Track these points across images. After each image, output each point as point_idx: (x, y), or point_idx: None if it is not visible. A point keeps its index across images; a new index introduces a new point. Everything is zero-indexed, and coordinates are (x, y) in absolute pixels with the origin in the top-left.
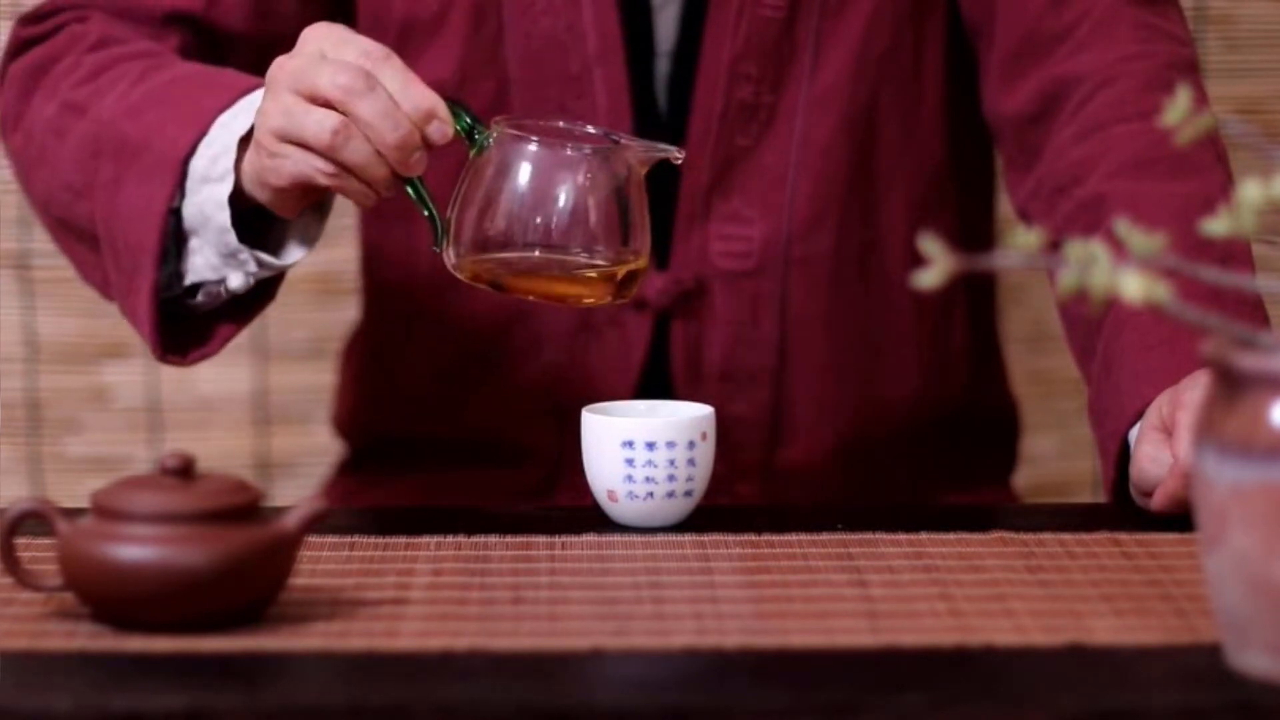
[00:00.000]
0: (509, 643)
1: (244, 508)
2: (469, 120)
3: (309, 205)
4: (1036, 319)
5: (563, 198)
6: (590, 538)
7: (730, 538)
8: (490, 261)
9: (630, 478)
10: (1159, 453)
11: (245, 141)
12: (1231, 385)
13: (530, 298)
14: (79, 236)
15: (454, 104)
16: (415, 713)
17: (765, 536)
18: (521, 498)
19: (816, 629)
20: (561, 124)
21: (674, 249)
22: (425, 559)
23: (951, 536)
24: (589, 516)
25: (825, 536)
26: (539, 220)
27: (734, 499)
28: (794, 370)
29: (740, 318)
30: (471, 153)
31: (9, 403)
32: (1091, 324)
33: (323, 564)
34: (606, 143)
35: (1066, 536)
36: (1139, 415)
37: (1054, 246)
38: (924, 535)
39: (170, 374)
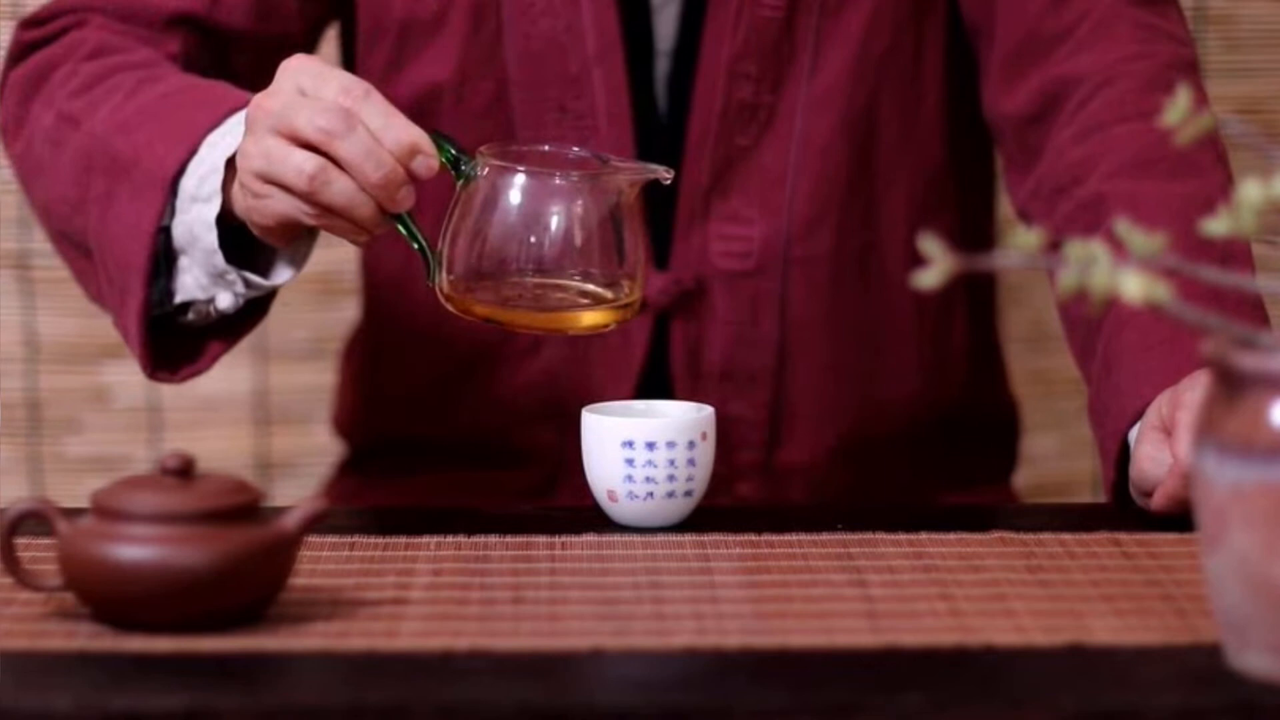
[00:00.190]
0: (509, 643)
1: (244, 508)
2: (454, 151)
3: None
4: (1036, 319)
5: (553, 226)
6: (590, 538)
7: (730, 538)
8: (483, 294)
9: (630, 478)
10: (1159, 453)
11: (233, 161)
12: (1231, 385)
13: (525, 329)
14: (76, 248)
15: (438, 136)
16: (415, 713)
17: (765, 536)
18: (522, 498)
19: (816, 629)
20: (547, 148)
21: (674, 249)
22: (425, 559)
23: (951, 536)
24: (589, 516)
25: (825, 536)
26: (531, 250)
27: (734, 499)
28: (794, 370)
29: (740, 318)
30: (458, 184)
31: (9, 403)
32: (1091, 324)
33: (323, 564)
34: (595, 166)
35: (1066, 536)
36: (1139, 415)
37: (1054, 246)
38: (924, 535)
39: None
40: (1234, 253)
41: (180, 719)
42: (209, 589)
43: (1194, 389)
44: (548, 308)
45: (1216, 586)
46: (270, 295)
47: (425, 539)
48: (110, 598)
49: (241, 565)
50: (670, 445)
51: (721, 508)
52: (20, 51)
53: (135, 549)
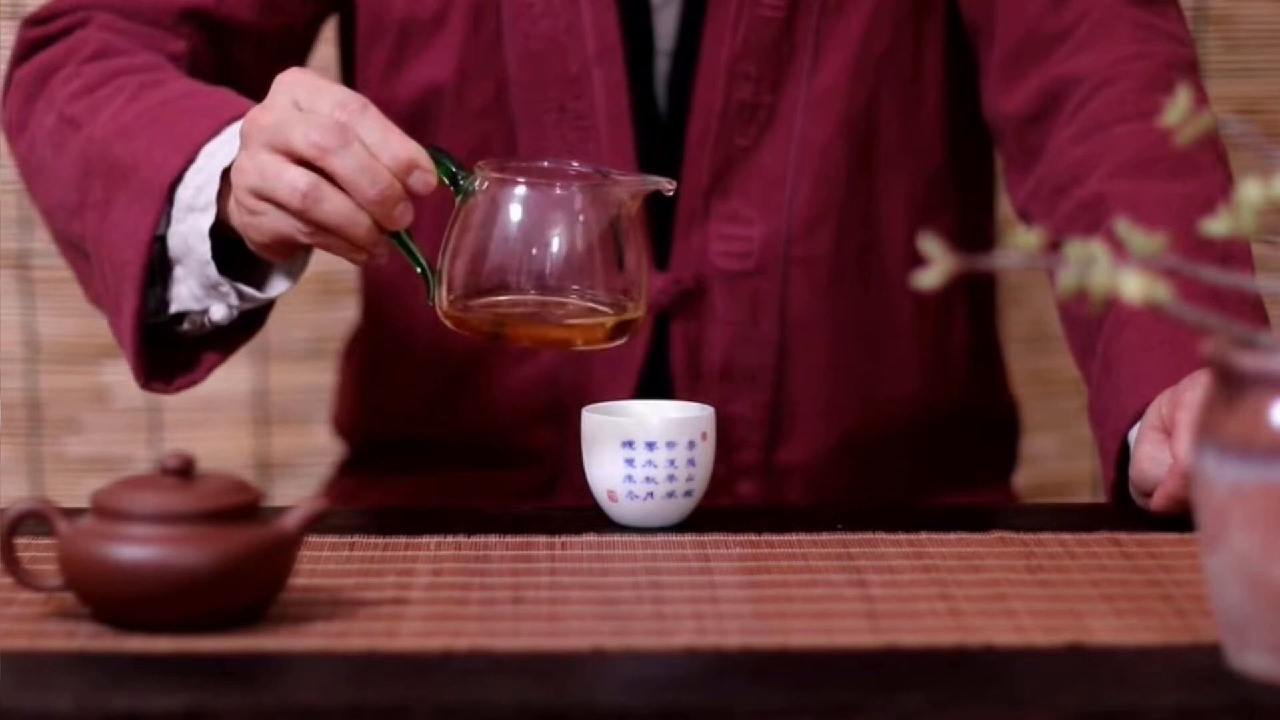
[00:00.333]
0: (509, 643)
1: (244, 508)
2: (452, 167)
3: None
4: (1036, 319)
5: (555, 240)
6: (590, 538)
7: (730, 538)
8: (484, 311)
9: (630, 478)
10: (1159, 453)
11: (230, 173)
12: (1231, 385)
13: (526, 345)
14: (76, 251)
15: (435, 151)
16: (415, 713)
17: (765, 536)
18: (522, 498)
19: (816, 629)
20: (546, 164)
21: (674, 249)
22: (425, 559)
23: (951, 536)
24: (589, 516)
25: (825, 536)
26: (531, 265)
27: (734, 499)
28: (794, 370)
29: (740, 317)
30: (457, 200)
31: (9, 403)
32: (1091, 324)
33: (323, 564)
34: (595, 180)
35: (1066, 536)
36: (1139, 415)
37: (1054, 246)
38: (924, 535)
39: None
40: (1234, 253)
41: (180, 719)
42: (209, 589)
43: (1194, 389)
44: (550, 324)
45: (1216, 586)
46: (267, 306)
47: (425, 539)
48: (110, 598)
49: (241, 565)
50: (670, 445)
51: (721, 508)
52: (25, 49)
53: (135, 549)
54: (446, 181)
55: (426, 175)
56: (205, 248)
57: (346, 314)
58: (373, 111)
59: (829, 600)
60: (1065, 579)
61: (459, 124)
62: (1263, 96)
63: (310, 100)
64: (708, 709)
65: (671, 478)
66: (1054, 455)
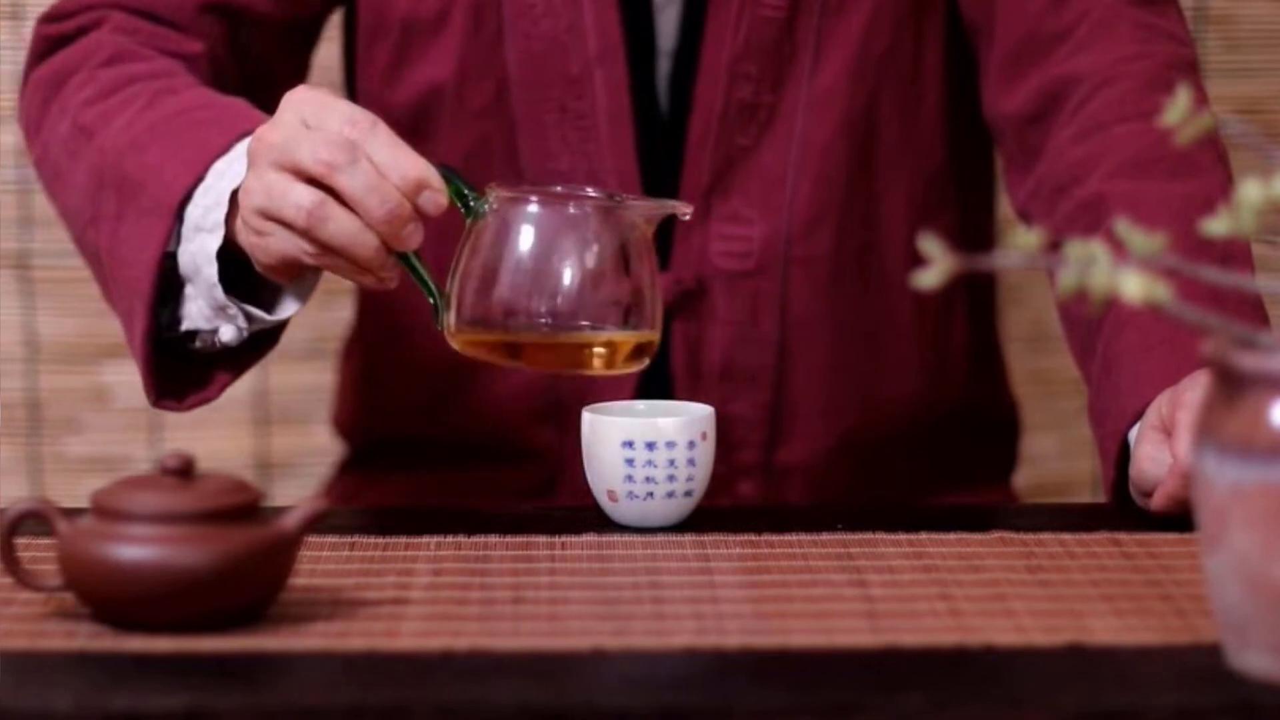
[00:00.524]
0: (509, 643)
1: (244, 508)
2: (463, 187)
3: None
4: (1036, 319)
5: (566, 263)
6: (590, 538)
7: (730, 538)
8: (494, 336)
9: (630, 478)
10: (1159, 453)
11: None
12: (1231, 385)
13: (537, 371)
14: (93, 259)
15: (446, 170)
16: (415, 713)
17: (765, 536)
18: (522, 498)
19: (816, 629)
20: (559, 189)
21: (674, 249)
22: (425, 559)
23: (951, 536)
24: (589, 516)
25: (825, 536)
26: (543, 289)
27: (734, 499)
28: (794, 370)
29: (740, 317)
30: (468, 220)
31: (9, 403)
32: (1091, 324)
33: (323, 564)
34: (609, 203)
35: (1066, 536)
36: (1139, 415)
37: (1054, 246)
38: (924, 535)
39: None
40: (1234, 253)
41: (180, 719)
42: (209, 589)
43: (1194, 389)
44: (560, 348)
45: (1216, 586)
46: (279, 327)
47: (425, 539)
48: (110, 598)
49: (241, 565)
50: (670, 445)
51: (721, 508)
52: (43, 47)
53: (135, 549)
54: (457, 202)
55: (437, 195)
56: (212, 270)
57: (346, 314)
58: (383, 129)
59: (829, 600)
60: (1065, 579)
61: (459, 124)
62: (1263, 96)
63: (319, 117)
64: (708, 709)
65: (671, 478)
66: (1054, 455)
